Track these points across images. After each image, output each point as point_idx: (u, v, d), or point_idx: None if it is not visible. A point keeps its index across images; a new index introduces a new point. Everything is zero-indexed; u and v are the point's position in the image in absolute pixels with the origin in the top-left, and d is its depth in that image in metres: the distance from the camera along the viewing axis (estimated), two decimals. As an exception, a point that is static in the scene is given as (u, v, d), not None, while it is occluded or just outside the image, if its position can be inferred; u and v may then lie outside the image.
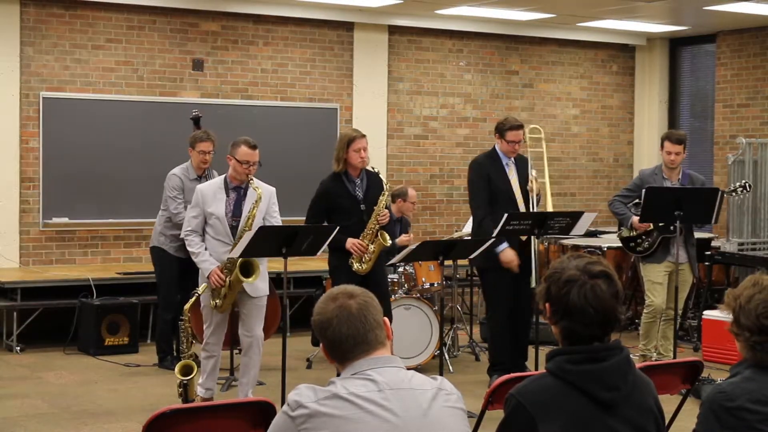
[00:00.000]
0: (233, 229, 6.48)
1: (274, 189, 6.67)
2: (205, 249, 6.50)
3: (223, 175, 6.65)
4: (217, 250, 6.49)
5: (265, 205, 6.54)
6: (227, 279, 6.43)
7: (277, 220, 6.61)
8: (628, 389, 2.75)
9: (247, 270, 6.43)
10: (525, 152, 7.82)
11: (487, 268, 7.54)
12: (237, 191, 6.53)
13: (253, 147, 6.48)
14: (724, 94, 11.78)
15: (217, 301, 6.50)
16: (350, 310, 2.70)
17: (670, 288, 7.76)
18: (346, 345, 2.69)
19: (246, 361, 6.67)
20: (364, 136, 7.07)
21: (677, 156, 7.70)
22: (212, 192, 6.52)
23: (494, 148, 7.57)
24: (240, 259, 6.33)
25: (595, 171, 12.43)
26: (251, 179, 6.46)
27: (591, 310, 2.73)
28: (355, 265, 7.03)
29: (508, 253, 7.28)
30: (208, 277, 6.45)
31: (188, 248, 6.61)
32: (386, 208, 7.12)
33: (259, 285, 6.58)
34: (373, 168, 7.23)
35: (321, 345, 2.78)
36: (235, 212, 6.50)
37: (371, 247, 7.02)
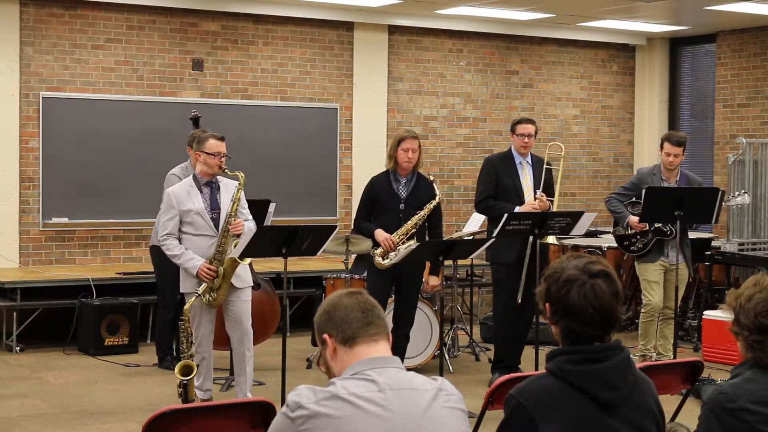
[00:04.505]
0: (214, 221, 6.47)
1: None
2: (186, 249, 6.46)
3: (190, 175, 6.67)
4: (201, 246, 6.45)
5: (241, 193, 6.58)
6: (219, 269, 6.42)
7: (246, 214, 6.61)
8: (629, 389, 2.75)
9: None
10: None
11: (492, 262, 7.67)
12: (209, 186, 6.53)
13: (221, 138, 6.52)
14: (724, 94, 11.78)
15: (210, 295, 6.43)
16: (360, 300, 2.80)
17: (668, 287, 7.75)
18: (353, 324, 2.74)
19: (239, 358, 6.61)
20: (415, 137, 7.15)
21: (676, 158, 7.69)
22: (185, 191, 6.51)
23: (509, 149, 7.69)
24: (233, 241, 6.33)
25: (595, 171, 12.43)
26: (225, 169, 6.48)
27: (591, 309, 2.73)
28: (377, 259, 7.06)
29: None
30: (197, 275, 6.40)
31: (167, 252, 6.52)
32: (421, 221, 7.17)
33: (243, 276, 6.57)
34: (428, 175, 7.31)
35: (325, 336, 2.76)
36: (213, 205, 6.50)
37: (400, 248, 7.04)
